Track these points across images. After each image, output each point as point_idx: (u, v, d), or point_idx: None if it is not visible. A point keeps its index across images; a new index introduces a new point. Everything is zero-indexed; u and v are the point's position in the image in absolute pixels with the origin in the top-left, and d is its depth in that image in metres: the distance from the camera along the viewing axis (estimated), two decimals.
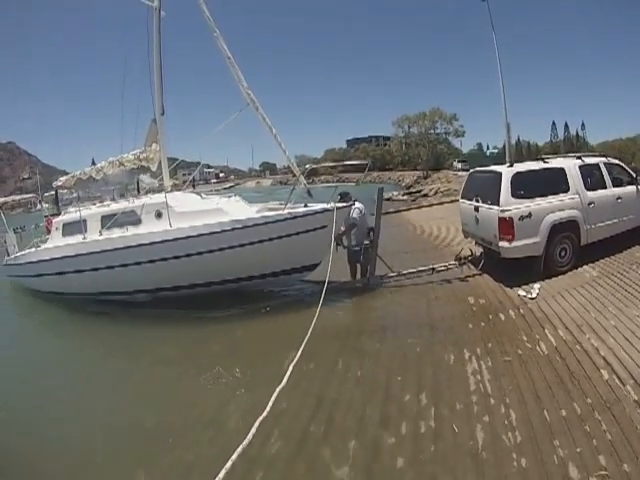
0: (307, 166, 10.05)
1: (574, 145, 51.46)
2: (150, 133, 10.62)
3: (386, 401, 4.36)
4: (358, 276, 8.65)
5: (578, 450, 3.19)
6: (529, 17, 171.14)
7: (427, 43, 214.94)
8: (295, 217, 7.89)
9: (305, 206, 8.12)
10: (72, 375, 6.74)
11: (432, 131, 55.03)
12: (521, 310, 6.18)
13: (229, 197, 9.88)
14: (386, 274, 8.48)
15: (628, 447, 3.13)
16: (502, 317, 6.09)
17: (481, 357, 4.98)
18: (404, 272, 8.49)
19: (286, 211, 7.99)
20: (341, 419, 4.18)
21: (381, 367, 5.14)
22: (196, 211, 8.77)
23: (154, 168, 10.87)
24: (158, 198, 9.29)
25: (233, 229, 7.99)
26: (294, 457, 3.72)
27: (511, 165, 7.76)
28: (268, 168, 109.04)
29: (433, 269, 8.41)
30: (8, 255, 13.27)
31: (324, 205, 7.93)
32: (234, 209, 8.82)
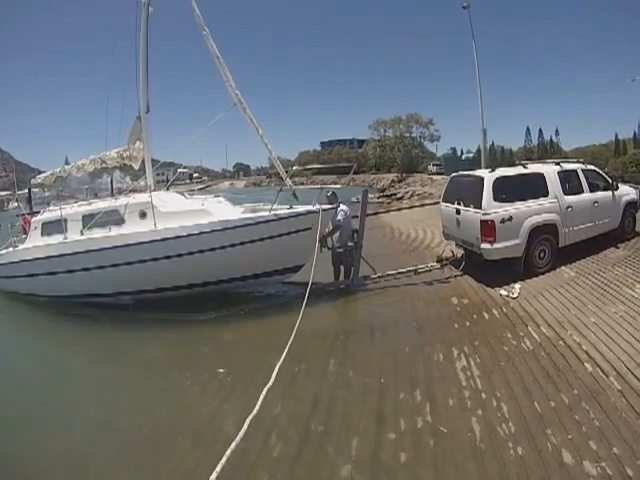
0: (294, 168, 10.08)
1: (547, 151, 52.55)
2: (134, 131, 10.37)
3: (381, 399, 4.44)
4: (341, 277, 8.69)
5: (570, 437, 3.37)
6: (506, 23, 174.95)
7: (405, 47, 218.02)
8: (280, 219, 7.88)
9: (290, 208, 8.10)
10: (55, 382, 6.47)
11: (408, 135, 55.92)
12: (504, 309, 6.40)
13: (214, 198, 9.76)
14: (369, 276, 8.58)
15: (616, 432, 3.34)
16: (486, 316, 6.29)
17: (469, 355, 5.12)
18: (387, 273, 8.62)
19: (272, 212, 7.96)
20: (339, 416, 4.24)
21: (373, 367, 5.19)
22: (181, 211, 8.65)
23: (137, 167, 10.65)
24: (142, 198, 9.08)
25: (219, 230, 7.93)
26: (290, 455, 3.75)
27: (493, 170, 8.03)
28: (242, 169, 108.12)
29: (415, 270, 8.57)
30: None
31: (309, 207, 7.92)
32: (219, 210, 8.73)
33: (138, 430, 4.65)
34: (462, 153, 51.84)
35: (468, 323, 6.10)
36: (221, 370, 5.78)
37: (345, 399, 4.56)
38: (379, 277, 8.60)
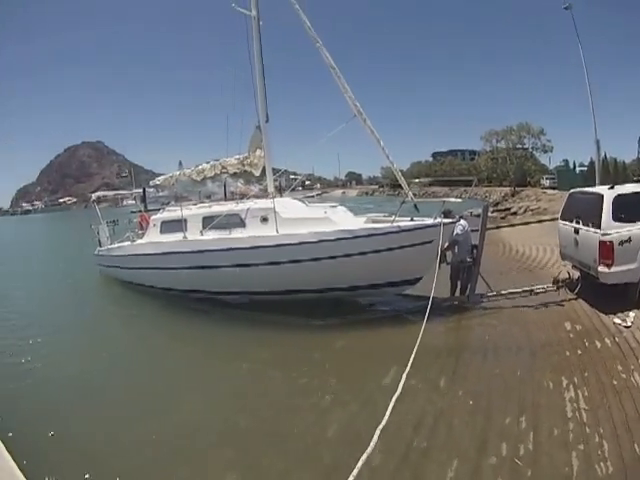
0: (416, 180, 10.35)
1: None
2: (254, 139, 10.87)
3: (487, 422, 4.67)
4: (457, 293, 8.73)
5: None
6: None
7: (515, 55, 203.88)
8: (402, 231, 7.93)
9: (411, 220, 8.21)
10: (164, 372, 7.13)
11: (519, 146, 52.64)
12: (616, 338, 6.31)
13: (334, 206, 9.93)
14: (485, 293, 8.59)
15: None
16: (598, 345, 6.27)
17: (578, 386, 5.21)
18: (503, 292, 8.58)
19: (394, 224, 8.06)
20: (443, 435, 4.52)
21: (482, 388, 5.41)
22: (303, 218, 8.91)
23: (257, 173, 11.07)
24: (264, 203, 9.47)
25: (342, 239, 8.08)
26: (388, 469, 3.98)
27: (612, 187, 7.68)
28: (354, 178, 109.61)
29: (531, 291, 8.50)
30: (100, 246, 14.25)
31: (430, 220, 7.99)
32: (341, 219, 8.92)
33: (235, 426, 5.14)
34: (574, 166, 47.67)
35: (579, 351, 6.15)
36: (331, 377, 6.17)
37: (451, 418, 4.82)
38: (495, 295, 8.57)
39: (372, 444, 2.91)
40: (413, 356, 4.26)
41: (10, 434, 4.89)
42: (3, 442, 4.09)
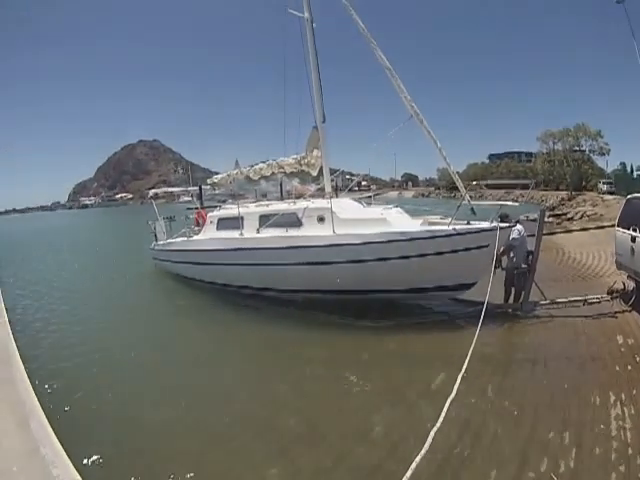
0: (474, 182, 10.23)
1: None
2: (311, 139, 11.03)
3: (530, 434, 4.73)
4: (511, 300, 8.68)
5: None
6: None
7: (571, 52, 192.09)
8: (459, 233, 7.88)
9: (467, 223, 8.15)
10: (215, 363, 7.46)
11: (577, 148, 50.44)
12: None
13: (390, 208, 9.95)
14: (538, 301, 8.51)
15: None
16: None
17: (625, 403, 5.19)
18: (556, 301, 8.47)
19: (451, 227, 8.01)
20: (486, 444, 4.61)
21: (529, 400, 5.44)
22: (359, 219, 9.02)
23: (314, 173, 11.20)
24: (321, 203, 9.65)
25: (398, 240, 8.08)
26: (428, 476, 4.01)
27: None
28: (410, 179, 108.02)
29: (585, 301, 8.35)
30: (156, 240, 15.01)
31: (487, 224, 7.91)
32: (397, 220, 8.94)
33: (281, 422, 5.31)
34: (632, 169, 44.86)
35: (630, 367, 6.12)
36: (380, 379, 6.25)
37: (495, 428, 4.91)
38: (548, 304, 8.47)
39: (426, 445, 3.02)
40: (467, 361, 4.32)
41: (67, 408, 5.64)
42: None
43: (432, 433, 3.13)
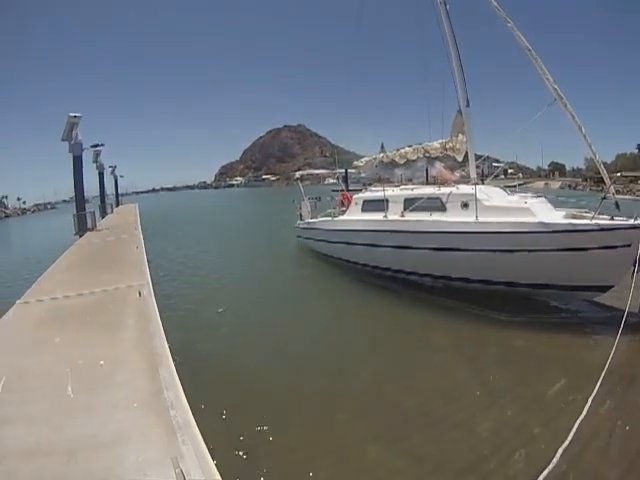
0: (618, 174, 9.30)
1: None
2: (455, 124, 10.85)
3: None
4: None
5: None
6: None
7: None
8: (602, 229, 7.28)
9: (611, 219, 7.49)
10: (347, 337, 7.84)
11: None
12: None
13: (535, 197, 9.51)
14: None
15: None
16: None
17: None
18: None
19: (593, 221, 7.45)
20: (617, 466, 4.14)
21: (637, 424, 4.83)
22: (503, 207, 8.73)
23: (460, 158, 11.07)
24: (466, 189, 9.47)
25: (540, 232, 7.73)
26: None
27: None
28: (557, 169, 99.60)
29: None
30: (301, 219, 15.82)
31: (631, 221, 7.24)
32: (541, 211, 8.49)
33: (397, 404, 5.37)
34: None
35: None
36: (503, 376, 6.02)
37: (629, 449, 4.40)
38: None
39: (554, 461, 2.97)
40: (602, 376, 4.08)
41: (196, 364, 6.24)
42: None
43: (560, 450, 3.04)
